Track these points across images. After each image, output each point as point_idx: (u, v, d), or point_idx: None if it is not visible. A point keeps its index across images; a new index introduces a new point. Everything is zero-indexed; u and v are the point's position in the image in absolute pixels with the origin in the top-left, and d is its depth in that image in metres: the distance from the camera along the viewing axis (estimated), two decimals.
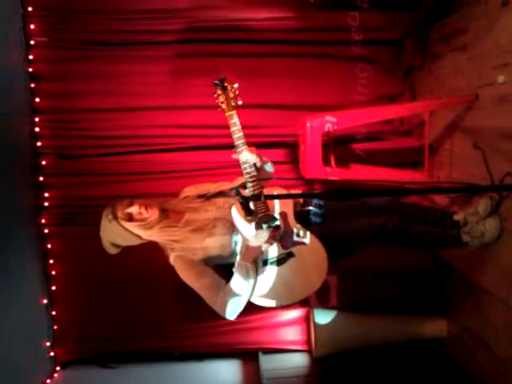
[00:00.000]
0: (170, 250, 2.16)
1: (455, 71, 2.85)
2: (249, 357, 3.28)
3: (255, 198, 1.99)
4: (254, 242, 2.04)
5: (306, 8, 3.11)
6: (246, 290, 2.05)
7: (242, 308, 2.09)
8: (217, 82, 2.06)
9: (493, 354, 2.54)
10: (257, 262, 2.09)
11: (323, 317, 3.12)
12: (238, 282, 2.04)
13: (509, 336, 2.38)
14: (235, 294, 2.05)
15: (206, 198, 2.26)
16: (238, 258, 2.11)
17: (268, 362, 3.19)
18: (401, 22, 3.17)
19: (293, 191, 2.43)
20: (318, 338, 3.10)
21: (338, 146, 3.02)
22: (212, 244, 2.15)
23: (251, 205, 1.99)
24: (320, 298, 3.17)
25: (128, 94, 3.16)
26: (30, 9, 3.03)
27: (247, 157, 2.05)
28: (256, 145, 2.21)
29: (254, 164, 2.08)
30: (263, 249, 2.07)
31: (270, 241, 2.06)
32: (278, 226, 2.08)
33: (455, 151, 2.89)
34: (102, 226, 2.12)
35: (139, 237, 2.14)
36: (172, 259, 2.14)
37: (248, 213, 1.93)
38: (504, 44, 2.37)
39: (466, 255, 2.67)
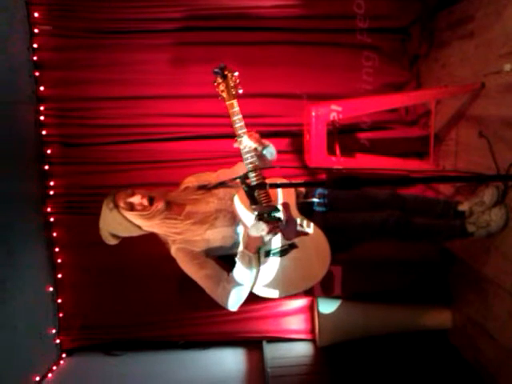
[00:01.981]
0: (171, 242, 2.16)
1: (462, 59, 2.82)
2: (253, 345, 3.30)
3: (260, 186, 1.98)
4: (255, 233, 2.03)
5: None
6: (248, 280, 2.05)
7: (243, 299, 2.09)
8: (217, 70, 2.04)
9: (496, 344, 2.54)
10: (259, 251, 2.09)
11: (327, 306, 3.13)
12: (240, 271, 2.04)
13: None
14: (237, 284, 2.05)
15: (207, 189, 2.26)
16: (240, 247, 2.11)
17: (272, 351, 3.20)
18: (407, 10, 3.13)
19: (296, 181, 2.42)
20: (321, 327, 3.11)
21: (342, 135, 3.01)
22: (213, 236, 2.15)
23: (256, 194, 1.99)
24: (324, 288, 3.17)
25: (132, 82, 3.15)
26: None
27: (246, 143, 2.03)
28: (260, 134, 2.20)
29: (256, 149, 2.06)
30: (266, 239, 2.07)
31: (271, 232, 2.05)
32: (279, 218, 2.08)
33: (461, 140, 2.87)
34: (102, 215, 2.11)
35: (139, 227, 2.13)
36: (173, 251, 2.14)
37: (253, 202, 1.92)
38: (511, 32, 2.34)
39: (470, 245, 2.66)
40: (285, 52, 3.20)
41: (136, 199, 2.06)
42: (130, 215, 2.07)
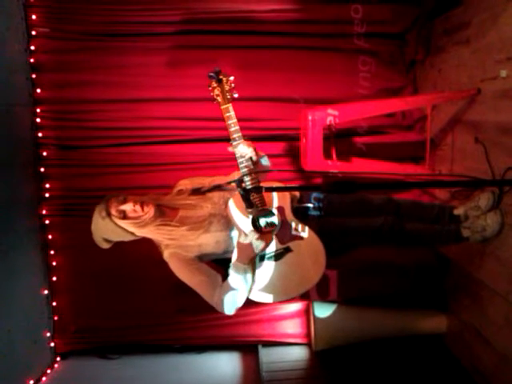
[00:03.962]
0: (163, 247, 2.14)
1: (458, 65, 2.83)
2: (248, 349, 3.29)
3: (256, 190, 1.97)
4: (250, 237, 2.01)
5: (308, 0, 3.09)
6: (243, 287, 2.03)
7: (240, 304, 2.07)
8: (212, 74, 2.02)
9: (492, 349, 2.53)
10: (254, 262, 2.07)
11: (323, 310, 3.13)
12: (235, 280, 2.02)
13: (508, 330, 2.38)
14: (233, 289, 2.03)
15: (201, 193, 2.24)
16: (234, 255, 2.07)
17: (268, 355, 3.19)
18: (404, 16, 3.14)
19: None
20: (317, 331, 3.10)
21: (339, 140, 3.01)
22: (206, 240, 2.14)
23: (251, 197, 1.98)
24: (320, 292, 3.17)
25: (129, 85, 3.15)
26: None
27: (243, 150, 2.02)
28: (257, 138, 2.20)
29: (251, 158, 2.05)
30: (260, 248, 2.01)
31: (265, 237, 2.03)
32: (273, 223, 2.07)
33: (457, 145, 2.88)
34: (94, 221, 2.08)
35: (133, 233, 2.12)
36: (166, 256, 2.12)
37: (248, 205, 1.92)
38: (508, 38, 2.35)
39: (465, 250, 2.67)
40: (282, 56, 3.21)
41: (128, 207, 2.03)
42: (122, 223, 2.05)
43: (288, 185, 2.27)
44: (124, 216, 2.04)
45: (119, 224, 2.05)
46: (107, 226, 2.06)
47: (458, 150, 2.87)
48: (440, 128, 3.03)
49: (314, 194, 2.35)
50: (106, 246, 2.17)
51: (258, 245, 1.99)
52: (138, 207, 2.04)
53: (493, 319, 2.52)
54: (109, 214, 2.03)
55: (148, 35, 3.15)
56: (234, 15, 3.08)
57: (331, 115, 2.68)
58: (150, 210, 2.06)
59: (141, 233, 2.12)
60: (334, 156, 2.84)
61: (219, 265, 2.18)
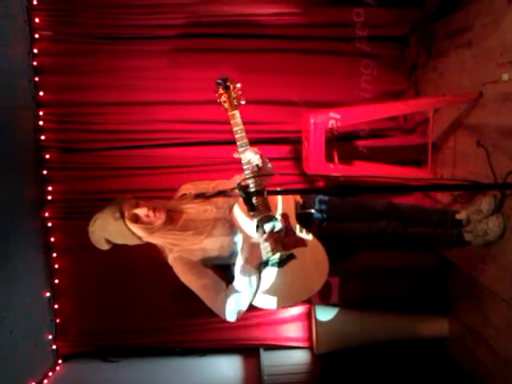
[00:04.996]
0: (168, 251, 2.13)
1: (459, 69, 2.84)
2: (250, 353, 3.29)
3: (258, 193, 1.97)
4: (256, 239, 2.03)
5: (311, 3, 3.10)
6: (248, 291, 2.02)
7: (243, 310, 2.05)
8: (219, 81, 2.02)
9: (494, 354, 2.53)
10: (260, 268, 2.06)
11: (325, 314, 3.13)
12: (240, 283, 2.02)
13: (510, 334, 2.37)
14: (236, 293, 2.02)
15: (205, 197, 2.24)
16: (239, 259, 2.07)
17: (269, 359, 3.19)
18: (406, 19, 3.15)
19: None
20: (319, 335, 3.10)
21: (341, 143, 3.02)
22: (210, 245, 2.12)
23: (254, 201, 1.97)
24: (322, 296, 3.17)
25: (132, 88, 3.16)
26: (34, 2, 3.04)
27: (250, 157, 2.03)
28: (258, 141, 2.20)
29: (257, 164, 2.05)
30: (266, 256, 2.04)
31: (271, 241, 2.03)
32: (274, 226, 2.07)
33: (458, 149, 2.88)
34: (103, 221, 2.05)
35: (140, 238, 2.11)
36: (170, 260, 2.12)
37: (250, 208, 1.90)
38: (509, 42, 2.35)
39: (468, 254, 2.66)
40: (284, 59, 3.21)
41: (142, 211, 2.02)
42: (134, 227, 2.04)
43: (290, 188, 2.27)
44: (136, 220, 2.03)
45: (130, 227, 2.03)
46: (119, 229, 2.03)
47: (459, 154, 2.87)
48: (442, 131, 3.04)
49: (318, 198, 2.35)
50: (105, 247, 2.14)
51: (266, 247, 2.02)
52: (151, 213, 2.03)
53: (495, 323, 2.52)
54: (123, 216, 2.02)
55: (151, 38, 3.15)
56: (236, 19, 3.09)
57: (333, 118, 2.68)
58: (162, 216, 2.05)
59: (148, 238, 2.11)
60: (336, 159, 2.84)
61: (223, 271, 2.17)
